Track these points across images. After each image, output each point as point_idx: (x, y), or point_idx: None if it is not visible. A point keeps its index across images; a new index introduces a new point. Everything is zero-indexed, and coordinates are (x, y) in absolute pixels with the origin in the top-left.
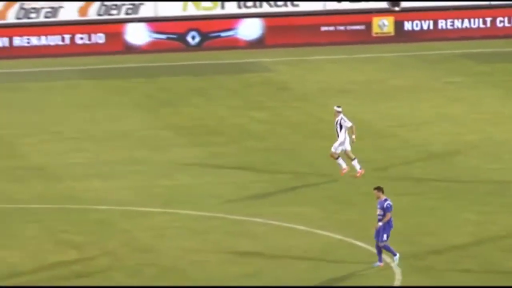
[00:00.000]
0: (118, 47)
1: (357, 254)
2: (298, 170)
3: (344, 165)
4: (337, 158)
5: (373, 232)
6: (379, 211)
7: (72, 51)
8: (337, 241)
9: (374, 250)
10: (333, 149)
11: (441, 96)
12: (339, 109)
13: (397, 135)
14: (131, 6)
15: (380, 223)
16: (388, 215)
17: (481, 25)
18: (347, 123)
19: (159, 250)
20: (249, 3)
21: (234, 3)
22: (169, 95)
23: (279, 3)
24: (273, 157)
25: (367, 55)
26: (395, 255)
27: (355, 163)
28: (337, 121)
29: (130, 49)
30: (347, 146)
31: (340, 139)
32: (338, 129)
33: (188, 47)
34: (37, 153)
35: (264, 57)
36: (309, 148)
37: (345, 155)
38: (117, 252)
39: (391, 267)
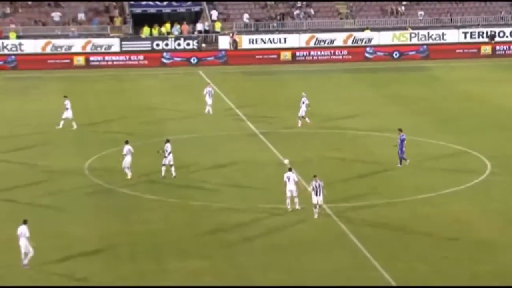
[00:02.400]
0: (360, 58)
1: (468, 159)
2: (436, 118)
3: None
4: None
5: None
6: (399, 141)
7: (333, 60)
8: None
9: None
10: (206, 112)
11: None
12: (209, 82)
13: (488, 100)
14: (368, 39)
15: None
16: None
17: None
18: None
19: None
20: (422, 38)
21: (415, 38)
22: (382, 82)
23: (437, 38)
24: (425, 113)
25: (479, 63)
26: (406, 160)
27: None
28: (207, 91)
29: (366, 59)
30: (211, 110)
31: (208, 103)
32: (207, 97)
33: (393, 59)
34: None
35: (428, 64)
36: (452, 107)
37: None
38: (350, 162)
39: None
